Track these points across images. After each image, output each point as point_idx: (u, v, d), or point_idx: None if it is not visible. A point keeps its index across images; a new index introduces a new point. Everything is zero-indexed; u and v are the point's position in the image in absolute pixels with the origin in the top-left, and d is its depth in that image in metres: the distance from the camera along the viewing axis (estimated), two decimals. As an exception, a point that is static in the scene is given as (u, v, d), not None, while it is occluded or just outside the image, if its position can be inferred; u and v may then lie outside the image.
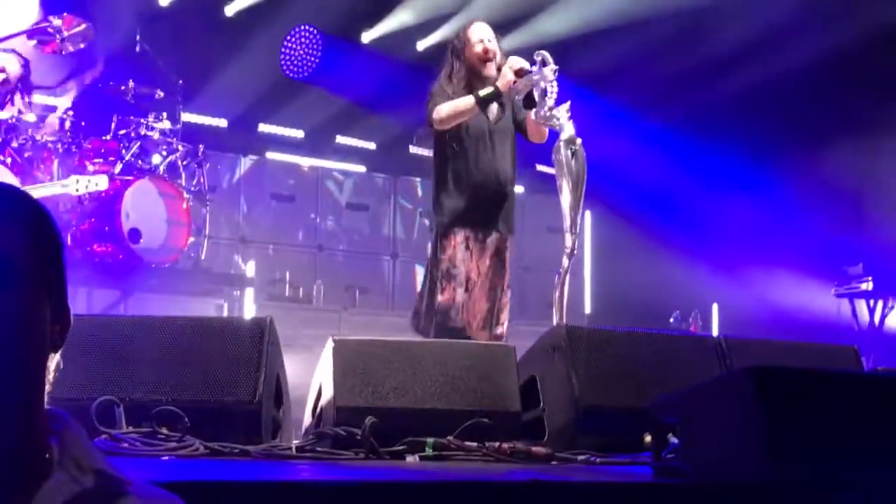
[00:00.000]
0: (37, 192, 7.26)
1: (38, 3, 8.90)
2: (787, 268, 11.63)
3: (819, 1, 10.42)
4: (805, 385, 3.35)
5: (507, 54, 6.12)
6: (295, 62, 11.96)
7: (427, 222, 6.32)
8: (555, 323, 5.53)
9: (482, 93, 5.86)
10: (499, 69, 5.96)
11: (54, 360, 1.51)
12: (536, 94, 5.86)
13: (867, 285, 11.03)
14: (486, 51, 6.04)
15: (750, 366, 3.35)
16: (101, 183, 7.40)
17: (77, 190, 7.35)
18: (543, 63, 5.79)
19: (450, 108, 5.88)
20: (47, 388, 1.49)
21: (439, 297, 5.86)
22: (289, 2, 11.40)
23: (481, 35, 6.10)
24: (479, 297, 5.92)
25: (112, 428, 3.87)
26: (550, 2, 11.56)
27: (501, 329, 5.98)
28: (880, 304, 11.19)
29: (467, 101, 5.87)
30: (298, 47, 11.96)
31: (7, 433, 1.40)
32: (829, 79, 11.06)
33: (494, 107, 6.05)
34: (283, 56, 11.89)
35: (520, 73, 5.86)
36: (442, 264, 5.90)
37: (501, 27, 6.46)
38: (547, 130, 5.99)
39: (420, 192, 11.56)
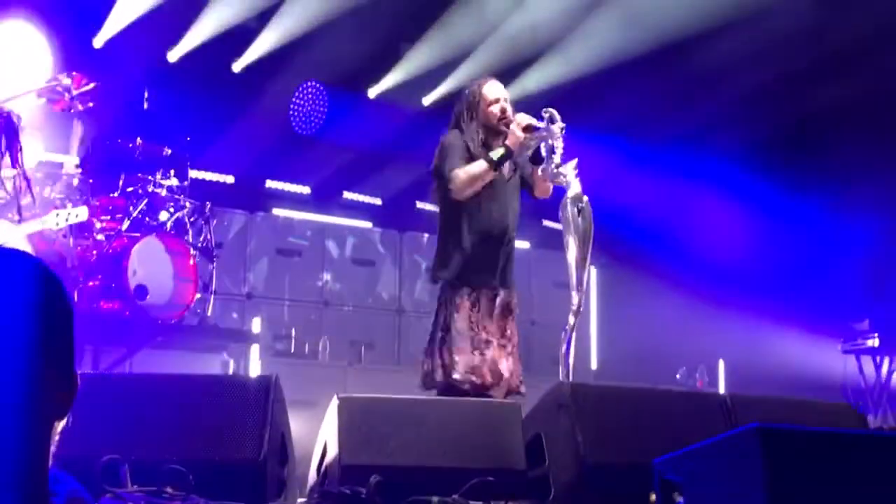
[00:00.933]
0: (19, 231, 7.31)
1: (51, 62, 8.98)
2: (793, 324, 11.63)
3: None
4: (810, 445, 3.34)
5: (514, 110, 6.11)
6: (303, 118, 12.06)
7: (433, 279, 6.13)
8: (561, 380, 5.52)
9: (494, 155, 5.76)
10: (507, 126, 5.94)
11: (60, 425, 1.52)
12: (544, 151, 5.84)
13: (873, 342, 11.02)
14: (503, 111, 5.98)
15: (755, 425, 3.35)
16: (80, 214, 7.41)
17: (58, 224, 7.36)
18: (551, 120, 5.74)
19: (466, 177, 5.77)
20: (52, 449, 1.50)
21: (450, 359, 5.73)
22: (296, 57, 11.49)
23: (498, 94, 6.04)
24: (496, 356, 5.82)
25: (118, 486, 3.87)
26: (547, 50, 11.62)
27: (523, 387, 5.89)
28: (887, 360, 11.18)
29: (480, 165, 5.77)
30: (306, 104, 12.05)
31: (12, 498, 1.41)
32: (844, 132, 11.12)
33: (507, 164, 6.00)
34: (291, 112, 11.99)
35: (527, 130, 5.81)
36: (452, 324, 5.81)
37: (501, 77, 6.43)
38: (552, 186, 5.97)
39: (427, 248, 11.58)
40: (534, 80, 11.46)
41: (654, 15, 10.76)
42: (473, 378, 5.68)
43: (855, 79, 10.46)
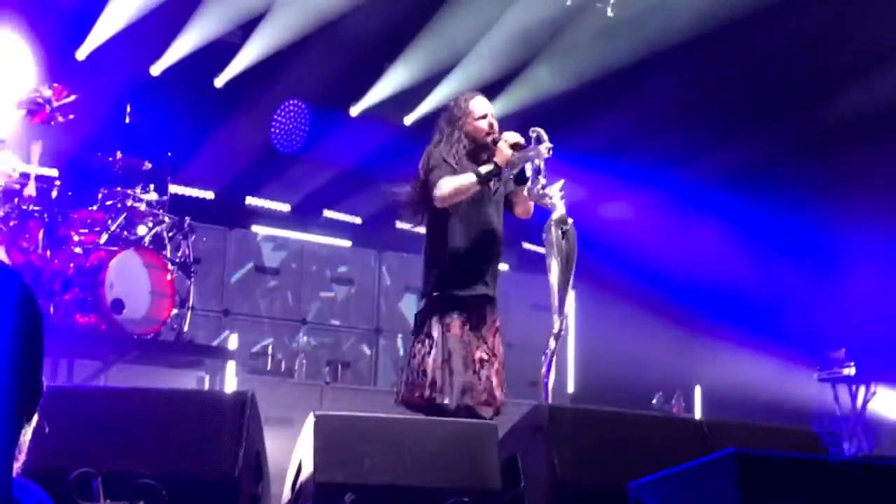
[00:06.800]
0: None
1: (34, 74, 8.95)
2: (770, 351, 11.65)
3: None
4: (785, 471, 3.34)
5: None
6: (284, 136, 12.06)
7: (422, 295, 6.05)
8: (539, 402, 5.49)
9: (483, 170, 5.69)
10: (495, 142, 5.91)
11: (28, 433, 1.49)
12: (530, 171, 5.78)
13: (850, 370, 11.05)
14: (491, 126, 5.93)
15: (732, 450, 3.35)
16: None
17: None
18: (538, 140, 5.69)
19: (452, 186, 5.70)
20: (22, 457, 1.48)
21: (443, 378, 5.64)
22: (278, 73, 11.49)
23: (485, 110, 5.99)
24: (489, 374, 5.76)
25: (90, 500, 3.84)
26: (529, 66, 11.63)
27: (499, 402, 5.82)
28: (862, 389, 11.20)
29: (469, 178, 5.70)
30: (287, 122, 12.06)
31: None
32: (806, 161, 11.17)
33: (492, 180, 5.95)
34: (273, 130, 11.98)
35: (515, 148, 5.78)
36: (435, 342, 5.70)
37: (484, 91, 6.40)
38: (533, 206, 5.93)
39: (405, 268, 11.57)
40: (515, 98, 11.47)
41: (635, 30, 10.78)
42: (467, 399, 5.62)
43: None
